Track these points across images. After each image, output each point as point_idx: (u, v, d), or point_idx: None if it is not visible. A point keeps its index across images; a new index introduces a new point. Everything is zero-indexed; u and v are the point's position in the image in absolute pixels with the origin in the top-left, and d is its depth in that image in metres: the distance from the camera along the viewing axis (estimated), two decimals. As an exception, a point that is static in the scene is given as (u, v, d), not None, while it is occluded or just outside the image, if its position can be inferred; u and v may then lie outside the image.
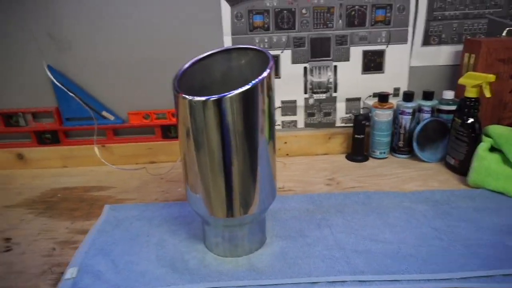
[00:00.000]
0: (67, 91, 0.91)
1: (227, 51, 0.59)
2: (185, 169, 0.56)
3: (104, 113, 0.95)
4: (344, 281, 0.54)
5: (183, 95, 0.49)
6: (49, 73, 0.89)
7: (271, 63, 0.53)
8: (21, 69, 0.92)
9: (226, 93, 0.47)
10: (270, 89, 0.52)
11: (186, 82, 0.56)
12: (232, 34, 0.91)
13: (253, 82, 0.49)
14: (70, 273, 0.56)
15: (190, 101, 0.49)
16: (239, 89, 0.48)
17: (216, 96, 0.47)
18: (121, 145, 0.97)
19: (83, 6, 0.87)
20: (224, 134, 0.49)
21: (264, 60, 0.55)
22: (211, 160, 0.51)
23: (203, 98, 0.48)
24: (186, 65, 0.56)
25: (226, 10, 0.89)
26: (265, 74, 0.50)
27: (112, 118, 0.96)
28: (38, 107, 0.95)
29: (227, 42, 0.92)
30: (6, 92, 0.94)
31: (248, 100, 0.49)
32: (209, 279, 0.55)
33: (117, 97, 0.95)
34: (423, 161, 0.93)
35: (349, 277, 0.54)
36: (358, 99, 0.99)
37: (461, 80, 0.82)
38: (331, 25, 0.91)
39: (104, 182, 0.88)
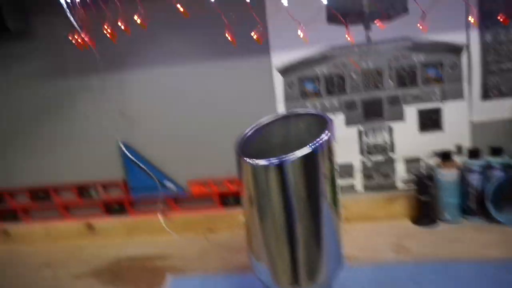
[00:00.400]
0: (136, 162, 0.99)
1: (286, 117, 0.62)
2: (249, 236, 0.56)
3: (167, 183, 1.00)
4: None
5: (247, 159, 0.51)
6: (123, 147, 0.98)
7: (330, 125, 0.54)
8: (95, 144, 1.01)
9: (288, 156, 0.48)
10: (331, 152, 0.52)
11: (246, 149, 0.58)
12: (285, 100, 0.95)
13: (314, 144, 0.50)
14: None
15: (252, 165, 0.50)
16: (301, 151, 0.49)
17: (278, 158, 0.48)
18: (182, 214, 1.00)
19: (149, 83, 0.97)
20: (286, 198, 0.50)
21: (321, 123, 0.56)
22: (274, 225, 0.51)
23: (265, 162, 0.49)
24: (248, 131, 0.59)
25: (278, 80, 0.95)
26: (324, 136, 0.51)
27: (173, 188, 1.00)
28: (107, 178, 1.02)
29: (280, 108, 0.96)
30: (80, 165, 1.03)
31: (310, 163, 0.50)
32: None
33: (177, 166, 1.01)
34: (501, 224, 0.84)
35: None
36: (418, 159, 0.95)
37: (533, 133, 0.77)
38: (381, 86, 0.93)
39: (166, 251, 0.90)
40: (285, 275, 0.53)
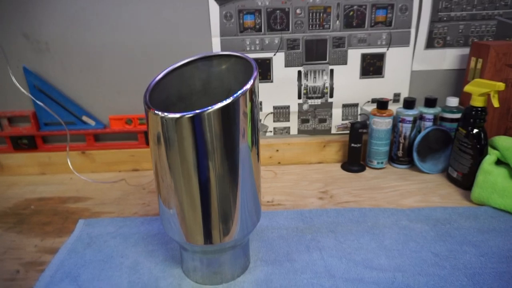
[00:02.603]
0: (44, 94, 0.86)
1: (208, 58, 0.53)
2: (159, 193, 0.50)
3: (84, 118, 0.89)
4: (333, 316, 0.48)
5: (154, 111, 0.43)
6: (27, 76, 0.84)
7: (255, 73, 0.47)
8: (-5, 70, 0.86)
9: (203, 109, 0.42)
10: (253, 92, 0.46)
11: (161, 93, 0.50)
12: (221, 35, 0.85)
13: (234, 95, 0.43)
14: (30, 303, 0.51)
15: (162, 117, 0.43)
16: (218, 104, 0.42)
17: (192, 112, 0.41)
18: (102, 151, 0.91)
19: (60, 6, 0.81)
20: (200, 154, 0.44)
21: (247, 67, 0.49)
22: (186, 182, 0.46)
23: (176, 115, 0.42)
24: (160, 75, 0.50)
25: (214, 9, 0.83)
26: (248, 86, 0.44)
27: (92, 123, 0.90)
28: (14, 110, 0.89)
29: (216, 44, 0.86)
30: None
31: (229, 115, 0.43)
32: (182, 312, 0.49)
33: (98, 101, 0.89)
34: (424, 172, 0.87)
35: (338, 312, 0.49)
36: (356, 105, 0.93)
37: (467, 88, 0.76)
38: (327, 26, 0.85)
39: (82, 192, 0.83)
40: (197, 233, 0.49)
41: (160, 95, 0.50)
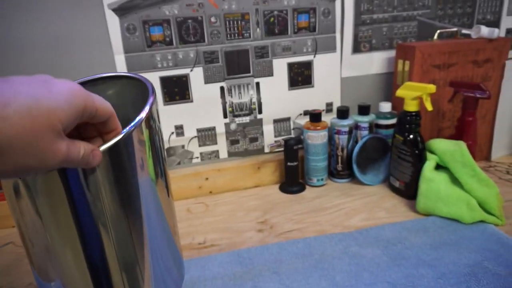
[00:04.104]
0: None
1: (90, 81, 0.41)
2: (32, 266, 0.37)
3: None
4: None
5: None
6: None
7: (151, 99, 0.36)
8: None
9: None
10: (149, 117, 0.35)
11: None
12: (125, 52, 0.72)
13: (121, 135, 0.31)
14: None
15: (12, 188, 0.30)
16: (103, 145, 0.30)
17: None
18: (-15, 206, 0.72)
19: None
20: (81, 210, 0.31)
21: (143, 89, 0.38)
22: (67, 247, 0.33)
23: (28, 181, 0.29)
24: None
25: (113, 22, 0.70)
26: (143, 114, 0.33)
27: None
28: None
29: (120, 63, 0.72)
30: None
31: (118, 156, 0.31)
32: None
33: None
34: (366, 184, 0.81)
35: None
36: (288, 119, 0.85)
37: (399, 92, 0.72)
38: (247, 34, 0.76)
39: (-45, 266, 0.64)
40: None
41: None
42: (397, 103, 0.81)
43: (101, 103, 0.28)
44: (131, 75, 0.40)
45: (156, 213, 0.39)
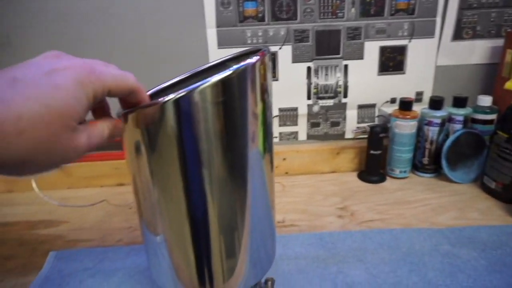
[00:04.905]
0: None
1: (220, 65, 0.41)
2: (141, 221, 0.38)
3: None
4: None
5: (128, 110, 0.31)
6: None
7: (265, 51, 0.35)
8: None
9: (195, 85, 0.29)
10: (264, 90, 0.34)
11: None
12: (218, 26, 0.73)
13: (235, 67, 0.31)
14: None
15: (139, 112, 0.31)
16: (215, 76, 0.30)
17: (179, 92, 0.29)
18: (81, 164, 0.78)
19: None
20: (191, 159, 0.32)
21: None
22: (173, 204, 0.34)
23: (159, 100, 0.30)
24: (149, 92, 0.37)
25: (209, -5, 0.70)
26: (252, 60, 0.32)
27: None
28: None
29: (211, 36, 0.73)
30: None
31: (230, 96, 0.31)
32: None
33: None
34: (453, 182, 0.75)
35: None
36: (373, 105, 0.81)
37: (509, 85, 0.65)
38: (341, 14, 0.73)
39: (55, 215, 0.70)
40: (189, 274, 0.37)
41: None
42: (499, 98, 0.73)
43: (114, 82, 0.27)
44: (252, 49, 0.39)
45: (261, 185, 0.38)
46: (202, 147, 0.31)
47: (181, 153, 0.32)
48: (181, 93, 0.29)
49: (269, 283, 0.45)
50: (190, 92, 0.29)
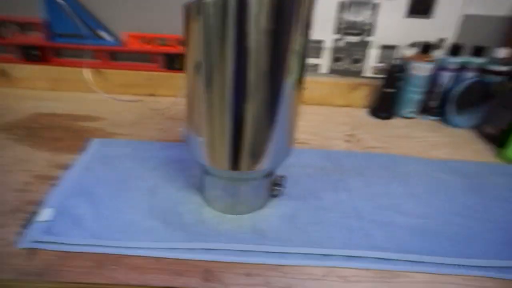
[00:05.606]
0: (58, 2, 0.78)
1: None
2: (189, 105, 0.46)
3: (100, 32, 0.82)
4: (362, 256, 0.46)
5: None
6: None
7: None
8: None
9: None
10: (308, 25, 0.40)
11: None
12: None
13: None
14: (45, 214, 0.48)
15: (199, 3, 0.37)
16: None
17: None
18: (118, 71, 0.85)
19: None
20: (242, 51, 0.38)
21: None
22: (220, 92, 0.41)
23: None
24: None
25: None
26: None
27: (109, 39, 0.83)
28: (25, 16, 0.81)
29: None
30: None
31: (281, 12, 0.37)
32: (205, 238, 0.47)
33: (116, 15, 0.82)
34: (454, 126, 0.82)
35: (367, 253, 0.47)
36: (394, 47, 0.85)
37: (527, 36, 0.68)
38: (378, -50, 0.75)
39: (95, 112, 0.78)
40: (224, 156, 0.45)
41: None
42: (517, 50, 0.77)
43: None
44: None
45: (290, 103, 0.45)
46: (249, 65, 0.38)
47: (234, 53, 0.38)
48: None
49: (282, 177, 0.54)
50: None
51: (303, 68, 0.44)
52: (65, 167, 0.59)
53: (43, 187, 0.54)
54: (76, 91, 0.87)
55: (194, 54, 0.41)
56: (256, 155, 0.46)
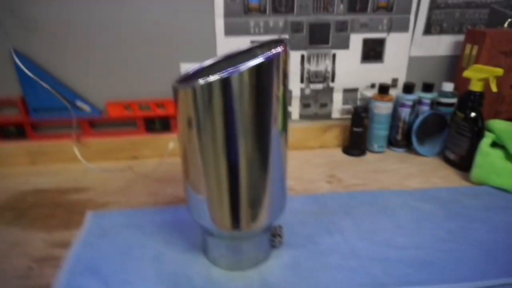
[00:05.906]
0: (35, 78, 0.79)
1: (249, 50, 0.51)
2: (187, 179, 0.49)
3: (79, 103, 0.84)
4: (366, 295, 0.50)
5: (185, 85, 0.42)
6: (15, 57, 0.77)
7: (286, 42, 0.46)
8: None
9: (236, 67, 0.40)
10: (285, 74, 0.45)
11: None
12: (225, 16, 0.82)
13: (267, 55, 0.42)
14: (55, 300, 0.48)
15: (193, 87, 0.41)
16: (252, 61, 0.40)
17: (223, 72, 0.40)
18: (99, 139, 0.87)
19: (51, -21, 0.75)
20: (231, 118, 0.42)
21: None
22: (215, 164, 0.45)
23: (209, 78, 0.40)
24: (191, 71, 0.48)
25: (218, -11, 0.80)
26: (279, 49, 0.43)
27: (88, 109, 0.85)
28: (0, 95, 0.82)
29: (219, 25, 0.83)
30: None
31: (261, 77, 0.42)
32: (219, 300, 0.49)
33: (93, 85, 0.84)
34: (421, 155, 0.90)
35: (371, 291, 0.50)
36: (356, 89, 0.94)
37: (467, 73, 0.79)
38: (331, 9, 0.85)
39: (82, 183, 0.79)
40: (225, 218, 0.48)
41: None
42: (460, 84, 0.88)
43: None
44: (275, 37, 0.50)
45: (279, 154, 0.49)
46: (238, 125, 0.42)
47: (224, 124, 0.42)
48: (228, 72, 0.40)
49: (280, 228, 0.58)
50: (237, 72, 0.40)
51: (286, 115, 0.48)
52: (64, 245, 0.59)
53: (47, 270, 0.53)
54: (57, 163, 0.87)
55: (185, 112, 0.44)
56: (256, 211, 0.49)
